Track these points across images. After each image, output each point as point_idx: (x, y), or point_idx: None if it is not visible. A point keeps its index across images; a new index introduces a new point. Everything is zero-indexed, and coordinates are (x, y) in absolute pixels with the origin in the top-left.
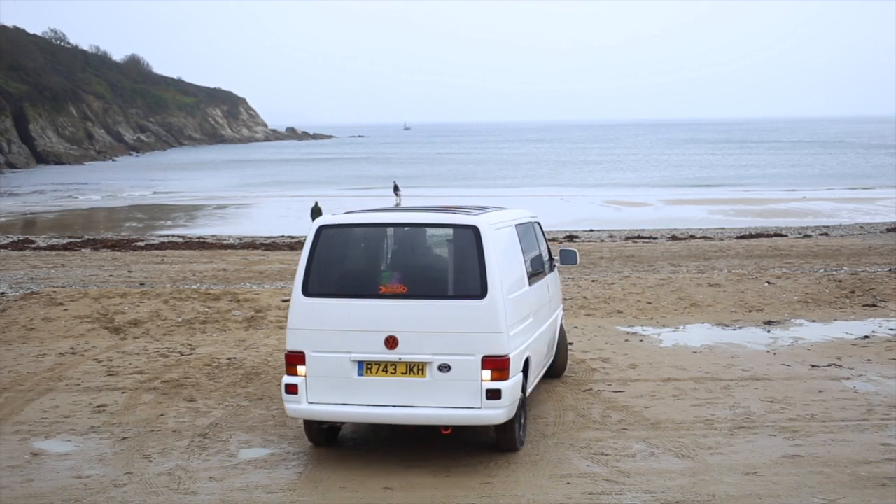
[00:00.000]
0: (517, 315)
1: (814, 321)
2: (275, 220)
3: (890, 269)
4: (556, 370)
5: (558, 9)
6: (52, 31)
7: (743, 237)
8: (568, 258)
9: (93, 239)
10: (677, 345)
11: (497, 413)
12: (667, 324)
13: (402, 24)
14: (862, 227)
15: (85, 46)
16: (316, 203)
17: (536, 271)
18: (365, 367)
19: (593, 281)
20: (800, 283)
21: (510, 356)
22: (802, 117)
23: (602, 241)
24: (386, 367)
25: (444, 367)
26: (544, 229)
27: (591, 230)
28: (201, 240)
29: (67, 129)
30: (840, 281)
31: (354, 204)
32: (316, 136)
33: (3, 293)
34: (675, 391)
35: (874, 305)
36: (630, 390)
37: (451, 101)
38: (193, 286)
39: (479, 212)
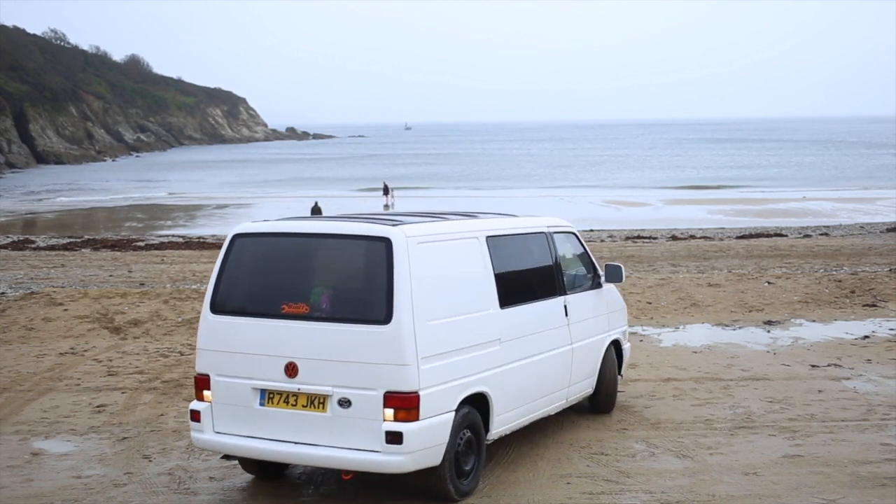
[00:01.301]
0: (449, 344)
1: (814, 321)
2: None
3: (890, 269)
4: (598, 405)
5: (558, 9)
6: (52, 31)
7: (743, 237)
8: (612, 275)
9: (93, 239)
10: (677, 345)
11: (397, 461)
12: (667, 324)
13: (402, 24)
14: (862, 227)
15: (85, 46)
16: (316, 203)
17: (537, 290)
18: (267, 396)
19: None
20: (800, 283)
21: (420, 393)
22: (802, 117)
23: (602, 241)
24: (287, 398)
25: (345, 402)
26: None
27: (592, 230)
28: (201, 240)
29: (67, 129)
30: (840, 281)
31: (354, 204)
32: (316, 136)
33: (3, 293)
34: (675, 391)
35: (874, 305)
36: (630, 390)
37: (452, 101)
38: (193, 286)
39: (413, 221)
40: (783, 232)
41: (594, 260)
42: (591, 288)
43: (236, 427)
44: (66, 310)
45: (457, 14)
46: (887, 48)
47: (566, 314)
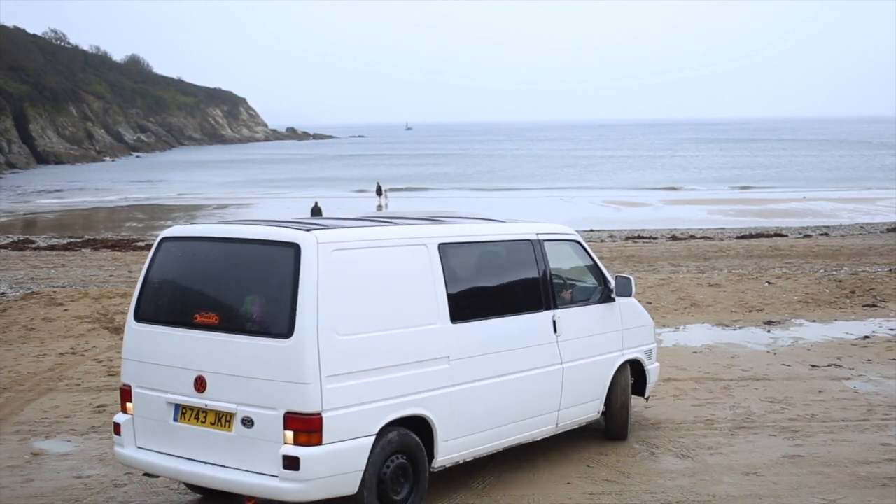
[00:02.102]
0: (369, 361)
1: (814, 321)
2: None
3: (890, 269)
4: (609, 431)
5: (558, 9)
6: (52, 31)
7: (743, 237)
8: (621, 288)
9: (93, 239)
10: (677, 345)
11: (294, 488)
12: (667, 324)
13: (402, 24)
14: (862, 227)
15: (85, 46)
16: (316, 203)
17: (512, 303)
18: (180, 411)
19: None
20: (800, 283)
21: (324, 415)
22: (802, 117)
23: (602, 241)
24: (197, 414)
25: (248, 421)
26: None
27: (592, 230)
28: None
29: (67, 129)
30: (840, 281)
31: (353, 204)
32: (316, 137)
33: (3, 293)
34: (675, 391)
35: (874, 305)
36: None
37: (452, 101)
38: None
39: (338, 225)
40: (783, 232)
41: (605, 271)
42: (599, 302)
43: (155, 443)
44: (66, 310)
45: (457, 14)
46: (887, 48)
47: (555, 330)
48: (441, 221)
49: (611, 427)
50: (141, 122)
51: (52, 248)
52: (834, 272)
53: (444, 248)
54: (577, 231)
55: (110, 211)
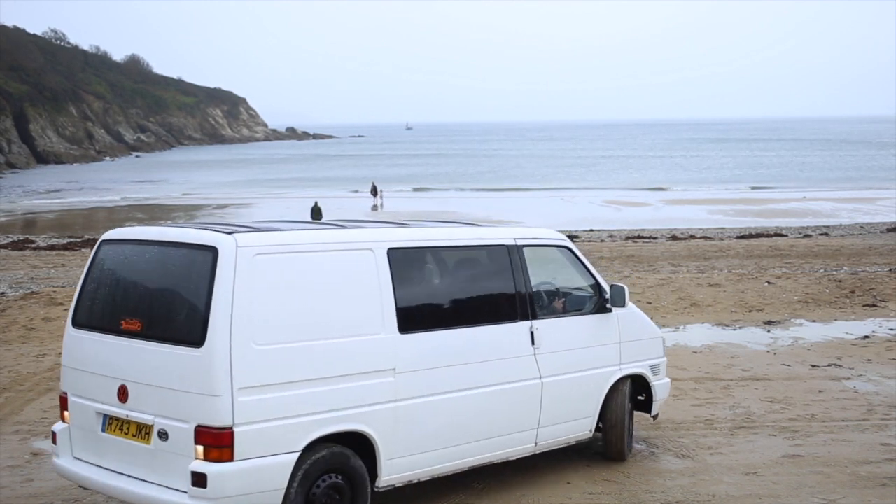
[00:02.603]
0: (294, 372)
1: (814, 321)
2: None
3: (890, 269)
4: (607, 451)
5: (558, 9)
6: (52, 31)
7: (743, 237)
8: (614, 297)
9: (93, 239)
10: (677, 345)
11: None
12: (667, 324)
13: (402, 24)
14: (862, 227)
15: (85, 46)
16: (316, 203)
17: (479, 313)
18: (107, 421)
19: None
20: (800, 283)
21: (235, 430)
22: (802, 117)
23: (602, 241)
24: (122, 426)
25: (163, 434)
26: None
27: (592, 230)
28: None
29: (67, 129)
30: (840, 281)
31: (353, 204)
32: (316, 136)
33: (3, 293)
34: (675, 391)
35: (874, 305)
36: None
37: (452, 101)
38: None
39: (268, 228)
40: (783, 232)
41: (599, 280)
42: (592, 312)
43: (87, 454)
44: (66, 309)
45: (457, 14)
46: (887, 48)
47: (532, 342)
48: (405, 225)
49: (607, 447)
50: (141, 122)
51: (52, 247)
52: (834, 272)
53: (394, 254)
54: (577, 231)
55: (110, 211)
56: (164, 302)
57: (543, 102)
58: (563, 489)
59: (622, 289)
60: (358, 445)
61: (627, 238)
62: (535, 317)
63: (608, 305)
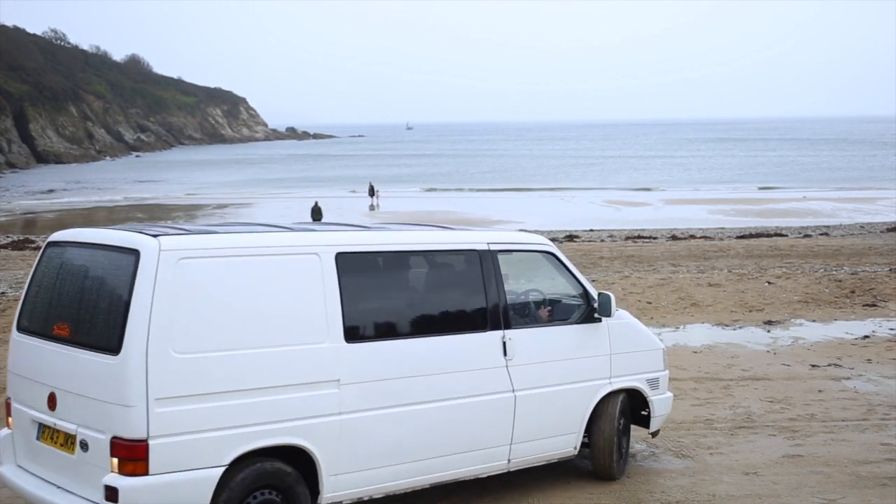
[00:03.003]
0: (220, 382)
1: (814, 321)
2: (275, 219)
3: (890, 269)
4: (596, 470)
5: (558, 8)
6: (52, 31)
7: (743, 237)
8: (601, 306)
9: None
10: (677, 345)
11: None
12: (667, 324)
13: (402, 23)
14: (862, 227)
15: (85, 46)
16: (316, 203)
17: (442, 322)
18: (41, 430)
19: (593, 281)
20: (800, 282)
21: (150, 443)
22: (802, 117)
23: (602, 241)
24: (52, 434)
25: (84, 445)
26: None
27: (592, 230)
28: None
29: (67, 128)
30: (840, 281)
31: (352, 205)
32: (316, 136)
33: (3, 293)
34: (675, 391)
35: (874, 305)
36: None
37: (452, 101)
38: None
39: (201, 230)
40: (783, 232)
41: (587, 287)
42: (578, 322)
43: (27, 462)
44: None
45: (457, 14)
46: (887, 48)
47: (505, 353)
48: (367, 229)
49: (595, 465)
50: (141, 121)
51: None
52: (834, 272)
53: (343, 259)
54: (577, 231)
55: (110, 210)
56: (90, 307)
57: (543, 102)
58: (563, 489)
59: (608, 297)
60: (298, 460)
61: (627, 238)
62: (508, 326)
63: (597, 315)
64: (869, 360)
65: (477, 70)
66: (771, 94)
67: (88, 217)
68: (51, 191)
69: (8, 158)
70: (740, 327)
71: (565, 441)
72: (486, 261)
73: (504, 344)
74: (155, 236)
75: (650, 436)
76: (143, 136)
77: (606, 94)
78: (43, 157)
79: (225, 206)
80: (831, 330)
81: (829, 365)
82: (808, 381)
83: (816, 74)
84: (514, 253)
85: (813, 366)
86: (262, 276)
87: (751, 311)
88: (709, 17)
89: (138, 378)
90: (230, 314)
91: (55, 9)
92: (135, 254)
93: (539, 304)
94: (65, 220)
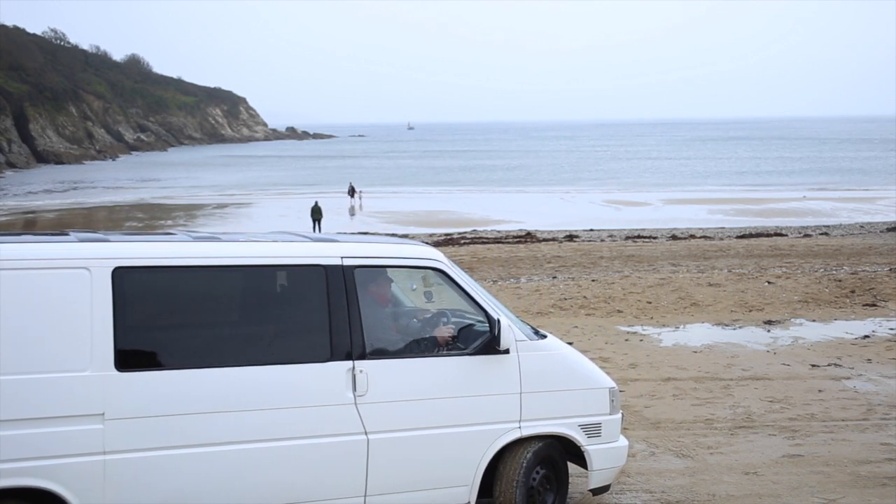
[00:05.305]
0: None
1: (814, 321)
2: (275, 219)
3: (890, 269)
4: None
5: (561, 8)
6: (52, 30)
7: (743, 237)
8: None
9: None
10: (677, 344)
11: None
12: (667, 323)
13: (403, 23)
14: (862, 226)
15: (85, 46)
16: (316, 203)
17: (263, 349)
18: None
19: (593, 280)
20: (800, 282)
21: None
22: (803, 117)
23: (602, 240)
24: None
25: None
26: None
27: (592, 230)
28: None
29: (67, 128)
30: (840, 280)
31: (351, 204)
32: (316, 136)
33: None
34: (675, 391)
35: (874, 305)
36: (630, 390)
37: (454, 100)
38: None
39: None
40: (783, 231)
41: (488, 310)
42: (473, 352)
43: None
44: None
45: (458, 14)
46: (887, 48)
47: (354, 388)
48: (179, 240)
49: None
50: (141, 121)
51: None
52: (834, 272)
53: (123, 275)
54: (577, 230)
55: (110, 210)
56: None
57: (544, 102)
58: None
59: (498, 323)
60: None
61: (627, 238)
62: (362, 357)
63: (501, 343)
64: (869, 360)
65: (478, 70)
66: (772, 93)
67: (89, 217)
68: (51, 191)
69: (8, 158)
70: (740, 327)
71: (450, 495)
72: (334, 278)
73: (354, 377)
74: None
75: (590, 493)
76: (142, 136)
77: (607, 94)
78: (43, 157)
79: (225, 206)
80: (831, 330)
81: (829, 365)
82: (808, 381)
83: (817, 73)
84: (382, 269)
85: (813, 365)
86: (14, 293)
87: (751, 310)
88: (710, 16)
89: None
90: None
91: (55, 9)
92: None
93: (417, 329)
94: (65, 220)
